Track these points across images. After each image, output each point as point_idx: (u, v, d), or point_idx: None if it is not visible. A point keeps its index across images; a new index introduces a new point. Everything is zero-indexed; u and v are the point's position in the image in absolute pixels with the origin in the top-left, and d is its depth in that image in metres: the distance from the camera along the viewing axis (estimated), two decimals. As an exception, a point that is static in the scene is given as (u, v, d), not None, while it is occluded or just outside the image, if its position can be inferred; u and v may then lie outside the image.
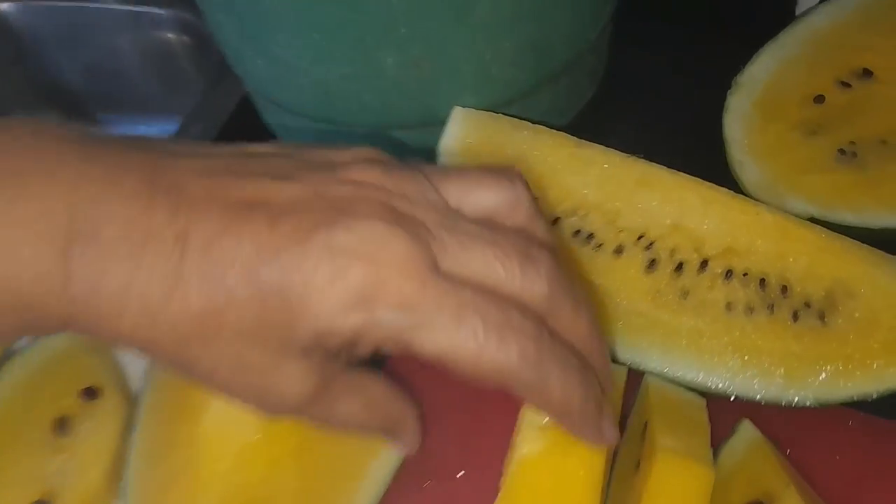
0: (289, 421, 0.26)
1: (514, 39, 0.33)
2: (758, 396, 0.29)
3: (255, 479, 0.28)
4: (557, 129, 0.40)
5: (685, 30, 0.47)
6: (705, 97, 0.38)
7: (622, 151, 0.34)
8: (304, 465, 0.29)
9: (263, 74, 0.36)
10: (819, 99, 0.35)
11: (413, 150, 0.37)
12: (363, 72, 0.32)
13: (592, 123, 0.42)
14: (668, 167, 0.32)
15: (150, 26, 0.52)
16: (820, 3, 0.40)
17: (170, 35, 0.51)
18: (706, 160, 0.35)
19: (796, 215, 0.31)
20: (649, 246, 0.32)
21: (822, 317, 0.29)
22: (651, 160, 0.33)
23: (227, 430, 0.28)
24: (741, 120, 0.34)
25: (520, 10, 0.31)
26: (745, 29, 0.40)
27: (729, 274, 0.30)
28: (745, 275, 0.30)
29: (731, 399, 0.29)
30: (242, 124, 0.46)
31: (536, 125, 0.34)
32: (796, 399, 0.29)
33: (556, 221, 0.33)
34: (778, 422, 0.31)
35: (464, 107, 0.35)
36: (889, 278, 0.29)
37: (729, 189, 0.32)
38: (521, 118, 0.36)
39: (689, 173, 0.33)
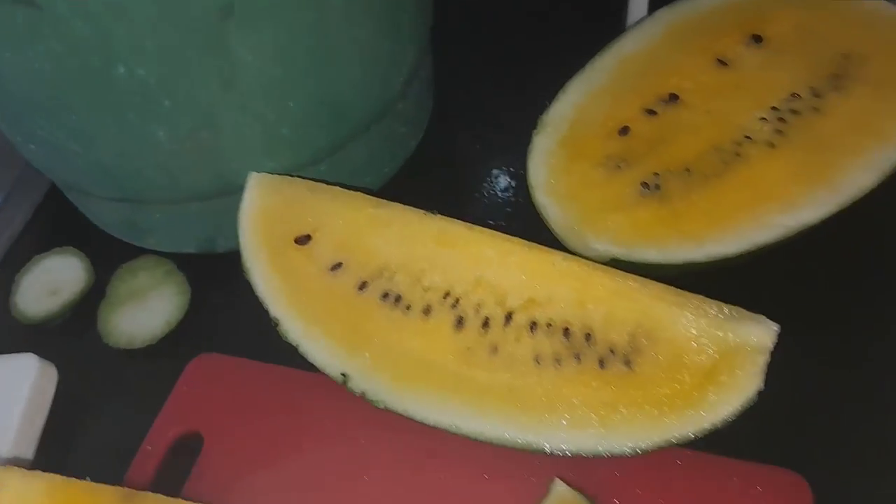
0: None
1: (297, 99, 0.30)
2: (576, 449, 0.27)
3: None
4: (381, 183, 0.38)
5: (516, 64, 0.45)
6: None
7: (450, 200, 0.32)
8: None
9: (41, 159, 0.32)
10: (624, 130, 0.33)
11: (220, 221, 0.34)
12: (136, 149, 0.29)
13: (420, 173, 0.40)
14: (491, 218, 0.30)
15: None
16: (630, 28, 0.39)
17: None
18: (529, 206, 0.33)
19: (599, 257, 0.29)
20: (455, 303, 0.29)
21: (627, 362, 0.27)
22: (473, 211, 0.31)
23: None
24: (545, 160, 0.32)
25: (292, 71, 0.28)
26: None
27: (533, 326, 0.28)
28: (549, 325, 0.28)
29: (550, 454, 0.27)
30: (56, 205, 0.42)
31: (334, 186, 0.31)
32: (614, 449, 0.27)
33: (363, 285, 0.30)
34: (605, 472, 0.29)
35: (262, 171, 0.32)
36: (689, 318, 0.26)
37: (527, 230, 0.29)
38: (332, 177, 0.33)
39: (512, 222, 0.30)
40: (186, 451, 0.31)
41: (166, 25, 0.24)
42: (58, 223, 0.41)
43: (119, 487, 0.26)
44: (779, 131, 0.33)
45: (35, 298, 0.37)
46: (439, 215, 0.30)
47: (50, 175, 0.35)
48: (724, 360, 0.26)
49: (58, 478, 0.25)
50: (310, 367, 0.30)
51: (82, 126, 0.28)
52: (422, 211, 0.30)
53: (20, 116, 0.28)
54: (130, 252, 0.38)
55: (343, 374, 0.29)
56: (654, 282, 0.28)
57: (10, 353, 0.34)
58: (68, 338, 0.36)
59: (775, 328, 0.26)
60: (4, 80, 0.26)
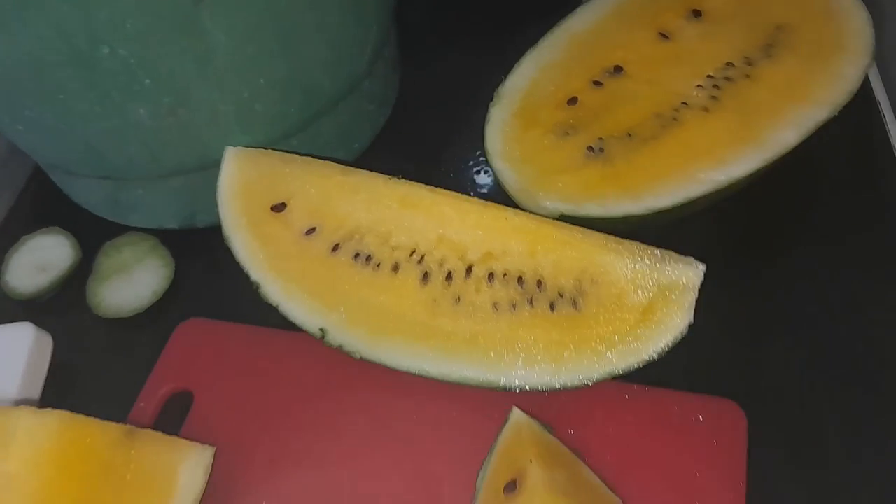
0: None
1: (268, 77, 0.32)
2: (532, 384, 0.30)
3: None
4: (353, 157, 0.40)
5: (476, 41, 0.48)
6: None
7: (418, 170, 0.35)
8: None
9: (28, 139, 0.34)
10: (573, 100, 0.36)
11: (199, 195, 0.36)
12: (119, 126, 0.31)
13: (392, 146, 0.43)
14: (455, 184, 0.33)
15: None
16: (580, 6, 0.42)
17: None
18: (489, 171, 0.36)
19: (550, 214, 0.32)
20: (421, 260, 0.32)
21: (575, 304, 0.30)
22: (440, 178, 0.33)
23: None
24: (501, 130, 0.35)
25: (263, 52, 0.31)
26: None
27: (491, 276, 0.31)
28: (504, 275, 0.31)
29: (516, 391, 0.30)
30: (40, 188, 0.44)
31: (305, 157, 0.34)
32: (566, 382, 0.30)
33: (336, 247, 0.33)
34: (561, 407, 0.32)
35: (237, 146, 0.34)
36: (628, 262, 0.30)
37: (487, 193, 0.33)
38: (304, 151, 0.35)
39: (474, 186, 0.33)
40: (177, 408, 0.34)
41: (145, 8, 0.27)
42: (42, 205, 0.43)
43: (122, 424, 0.29)
44: (713, 97, 0.36)
45: (25, 275, 0.39)
46: (403, 180, 0.32)
47: (36, 156, 0.37)
48: (658, 298, 0.29)
49: (66, 414, 0.28)
50: (290, 325, 0.32)
51: (69, 105, 0.30)
52: (386, 176, 0.33)
53: (9, 98, 0.31)
54: (114, 230, 0.40)
55: (321, 330, 0.32)
56: (597, 232, 0.31)
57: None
58: (59, 311, 0.39)
59: (702, 268, 0.29)
60: (-4, 64, 0.29)
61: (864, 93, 0.43)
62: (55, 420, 0.28)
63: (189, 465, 0.28)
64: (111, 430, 0.28)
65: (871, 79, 0.45)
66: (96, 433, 0.28)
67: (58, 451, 0.27)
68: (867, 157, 0.41)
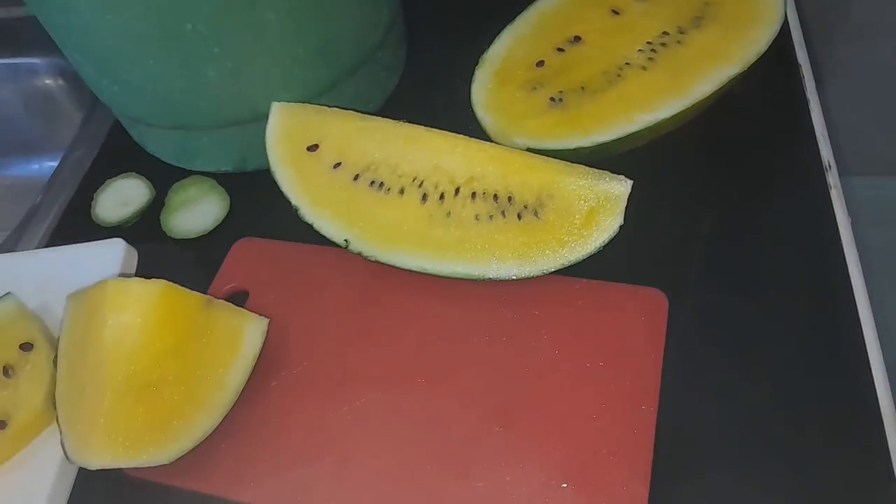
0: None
1: (305, 48, 0.41)
2: (505, 275, 0.39)
3: (144, 368, 0.36)
4: (367, 114, 0.49)
5: (470, 19, 0.57)
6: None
7: (420, 121, 0.43)
8: (180, 357, 0.37)
9: (120, 98, 0.43)
10: (540, 63, 0.45)
11: (250, 143, 0.46)
12: (193, 85, 0.41)
13: (401, 105, 0.52)
14: (449, 128, 0.42)
15: (28, 75, 0.58)
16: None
17: (47, 80, 0.58)
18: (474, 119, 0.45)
19: (519, 148, 0.41)
20: (420, 184, 0.41)
21: (536, 214, 0.39)
22: (436, 123, 0.42)
23: (119, 338, 0.36)
24: (483, 86, 0.44)
25: (301, 27, 0.40)
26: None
27: (474, 195, 0.40)
28: (484, 193, 0.40)
29: (487, 280, 0.39)
30: (116, 144, 0.53)
31: (334, 108, 0.43)
32: (530, 273, 0.39)
33: (357, 177, 0.42)
34: (527, 291, 0.41)
35: (281, 101, 0.43)
36: (575, 180, 0.39)
37: (472, 136, 0.42)
38: (331, 106, 0.45)
39: (462, 129, 0.42)
40: (236, 302, 0.43)
41: (218, -5, 0.36)
42: (121, 155, 0.52)
43: (203, 294, 0.38)
44: (650, 58, 0.45)
45: (111, 209, 0.49)
46: (407, 122, 0.42)
47: (123, 111, 0.46)
48: (598, 206, 0.38)
49: (165, 282, 0.37)
50: (320, 240, 0.42)
51: (156, 68, 0.39)
52: (395, 120, 0.42)
53: (111, 64, 0.40)
54: (181, 173, 0.50)
55: (345, 241, 0.41)
56: (553, 159, 0.40)
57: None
58: (140, 236, 0.48)
59: (630, 182, 0.38)
60: (104, 37, 0.38)
61: (787, 55, 0.51)
62: (157, 286, 0.37)
63: (251, 328, 0.38)
64: (196, 297, 0.38)
65: (795, 45, 0.53)
66: (186, 298, 0.38)
67: (159, 308, 0.37)
68: (784, 104, 0.49)
